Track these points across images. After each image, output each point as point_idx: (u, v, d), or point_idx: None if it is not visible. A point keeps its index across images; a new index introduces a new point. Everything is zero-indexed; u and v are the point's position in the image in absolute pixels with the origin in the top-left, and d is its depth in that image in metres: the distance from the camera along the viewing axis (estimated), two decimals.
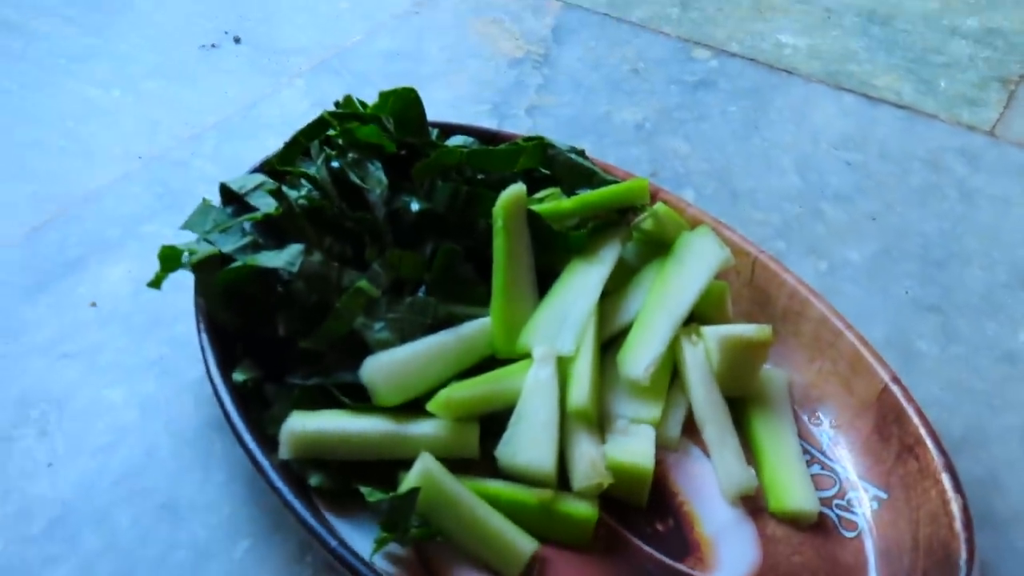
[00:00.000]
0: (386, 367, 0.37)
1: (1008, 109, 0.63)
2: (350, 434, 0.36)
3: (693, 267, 0.41)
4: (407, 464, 0.35)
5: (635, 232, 0.44)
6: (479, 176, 0.44)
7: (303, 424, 0.36)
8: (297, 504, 0.33)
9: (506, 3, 0.73)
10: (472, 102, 0.61)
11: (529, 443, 0.36)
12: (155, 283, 0.39)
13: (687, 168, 0.56)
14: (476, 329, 0.39)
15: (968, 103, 0.63)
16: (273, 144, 0.46)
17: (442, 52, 0.66)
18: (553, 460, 0.36)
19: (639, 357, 0.39)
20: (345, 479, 0.36)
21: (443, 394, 0.37)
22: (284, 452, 0.35)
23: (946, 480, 0.35)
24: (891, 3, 0.75)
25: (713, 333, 0.40)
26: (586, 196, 0.43)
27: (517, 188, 0.41)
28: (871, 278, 0.49)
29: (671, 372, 0.41)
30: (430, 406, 0.37)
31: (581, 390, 0.38)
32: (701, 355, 0.40)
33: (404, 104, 0.45)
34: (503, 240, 0.40)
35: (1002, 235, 0.52)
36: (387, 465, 0.36)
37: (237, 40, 0.66)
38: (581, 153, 0.46)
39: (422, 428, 0.37)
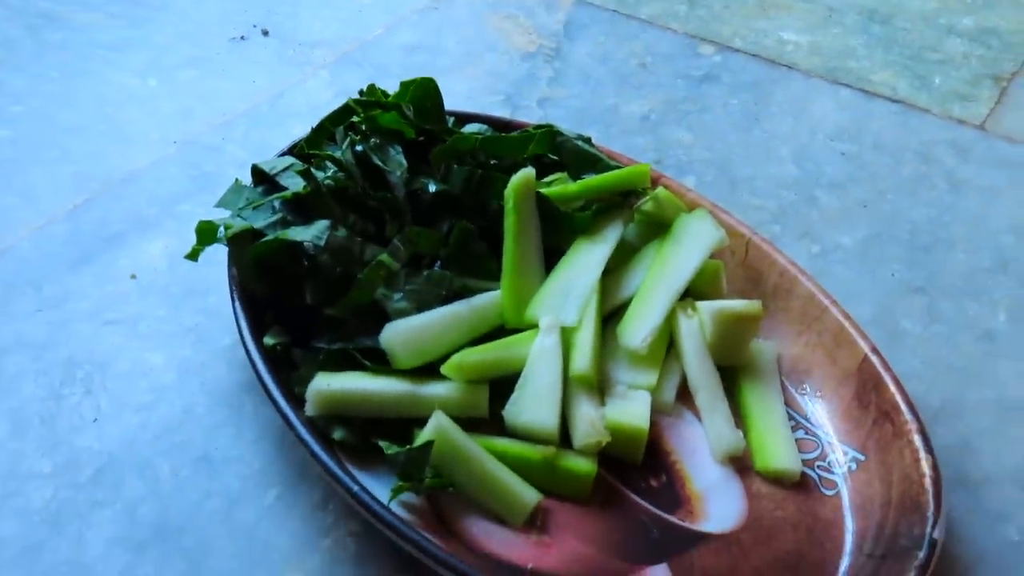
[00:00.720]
0: (404, 333, 0.40)
1: (999, 105, 0.65)
2: (370, 393, 0.39)
3: (690, 246, 0.45)
4: (422, 422, 0.38)
5: (637, 214, 0.47)
6: (492, 161, 0.48)
7: (328, 384, 0.39)
8: (322, 454, 0.36)
9: None
10: (487, 93, 0.64)
11: (534, 404, 0.40)
12: (192, 255, 0.43)
13: (690, 157, 0.59)
14: (487, 301, 0.42)
15: (960, 98, 0.66)
16: (299, 131, 0.49)
17: (459, 46, 0.69)
18: (556, 419, 0.39)
19: (638, 328, 0.42)
20: (365, 435, 0.39)
21: (456, 358, 0.40)
22: (310, 409, 0.38)
23: (918, 442, 0.38)
24: (892, 2, 0.78)
25: (707, 307, 0.43)
26: (591, 180, 0.46)
27: (527, 172, 0.44)
28: (861, 261, 0.52)
29: (667, 343, 0.44)
30: (444, 369, 0.40)
31: (583, 357, 0.41)
32: (695, 327, 0.43)
33: (423, 93, 0.48)
34: (513, 220, 0.43)
35: (987, 223, 0.55)
36: (404, 423, 0.39)
37: (265, 33, 0.69)
38: (588, 140, 0.49)
39: (436, 389, 0.40)
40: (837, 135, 0.62)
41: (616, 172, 0.47)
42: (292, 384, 0.39)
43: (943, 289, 0.51)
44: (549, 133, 0.48)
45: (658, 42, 0.71)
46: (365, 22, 0.71)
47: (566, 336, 0.41)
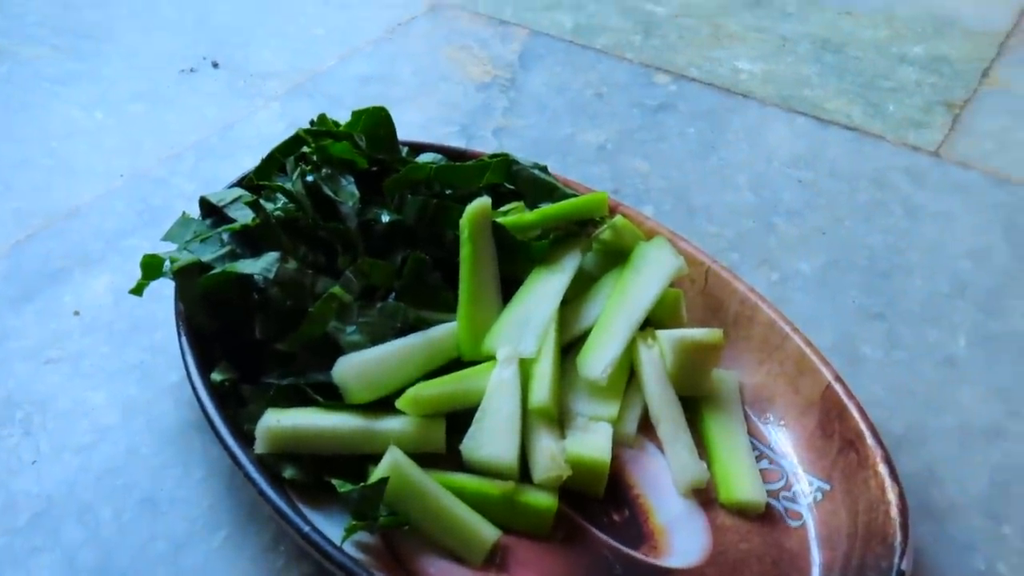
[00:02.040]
0: (357, 367, 0.39)
1: (952, 131, 0.66)
2: (322, 429, 0.38)
3: (649, 275, 0.44)
4: (376, 459, 0.37)
5: (595, 243, 0.46)
6: (447, 191, 0.47)
7: (278, 420, 0.38)
8: (271, 493, 0.35)
9: (476, 30, 0.76)
10: (442, 123, 0.63)
11: (493, 438, 0.38)
12: (137, 290, 0.41)
13: (647, 185, 0.59)
14: (443, 333, 0.41)
15: (914, 125, 0.66)
16: (249, 163, 0.48)
17: (414, 76, 0.69)
18: (515, 453, 0.38)
19: (598, 359, 0.41)
20: (317, 472, 0.38)
21: (411, 392, 0.39)
22: (260, 446, 0.37)
23: (883, 471, 0.38)
24: (844, 32, 0.79)
25: (667, 336, 0.42)
26: (548, 208, 0.46)
27: (482, 201, 0.43)
28: (820, 288, 0.52)
29: (628, 373, 0.43)
30: (399, 403, 0.39)
31: (542, 389, 0.40)
32: (656, 357, 0.42)
33: (375, 122, 0.48)
34: (469, 250, 0.42)
35: (944, 248, 0.55)
36: (357, 460, 0.38)
37: (215, 65, 0.68)
38: (544, 169, 0.49)
39: (390, 424, 0.39)
40: (793, 163, 0.62)
41: (574, 200, 0.46)
42: (241, 421, 0.38)
43: (902, 315, 0.51)
44: (505, 162, 0.47)
45: (613, 72, 0.71)
46: (318, 53, 0.71)
47: (525, 368, 0.41)
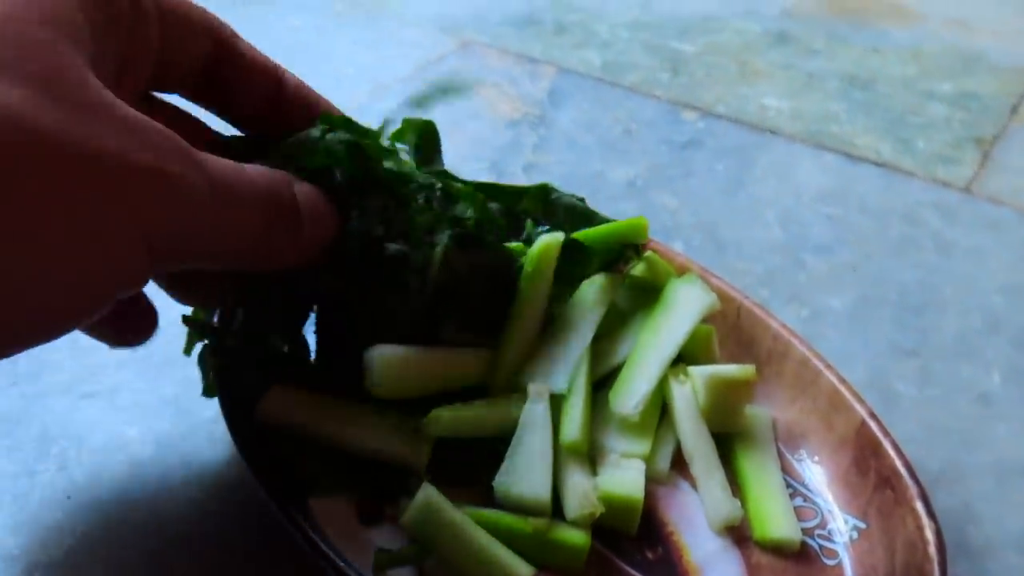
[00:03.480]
0: (392, 359, 0.39)
1: (983, 168, 0.66)
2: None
3: (681, 311, 0.44)
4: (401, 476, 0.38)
5: (627, 279, 0.46)
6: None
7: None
8: (306, 530, 0.35)
9: (505, 68, 0.77)
10: (472, 160, 0.64)
11: (525, 474, 0.38)
12: (187, 350, 0.42)
13: (676, 221, 0.59)
14: (480, 355, 0.41)
15: (944, 161, 0.66)
16: None
17: (443, 114, 0.69)
18: (548, 490, 0.38)
19: (629, 395, 0.41)
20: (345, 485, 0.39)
21: (438, 411, 0.39)
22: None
23: (920, 508, 0.37)
24: (871, 68, 0.79)
25: (700, 372, 0.42)
26: (588, 232, 0.46)
27: (555, 237, 0.43)
28: (852, 324, 0.52)
29: (660, 410, 0.43)
30: (424, 424, 0.39)
31: (573, 425, 0.40)
32: (688, 393, 0.42)
33: (423, 134, 0.47)
34: (529, 284, 0.42)
35: (976, 284, 0.55)
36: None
37: None
38: (582, 200, 0.48)
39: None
40: (822, 198, 0.62)
41: (614, 224, 0.46)
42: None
43: (936, 351, 0.50)
44: (543, 189, 0.47)
45: (642, 109, 0.72)
46: (349, 91, 0.71)
47: (556, 404, 0.40)
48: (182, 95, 0.36)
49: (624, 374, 0.42)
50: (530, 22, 0.87)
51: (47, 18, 0.26)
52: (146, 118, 0.27)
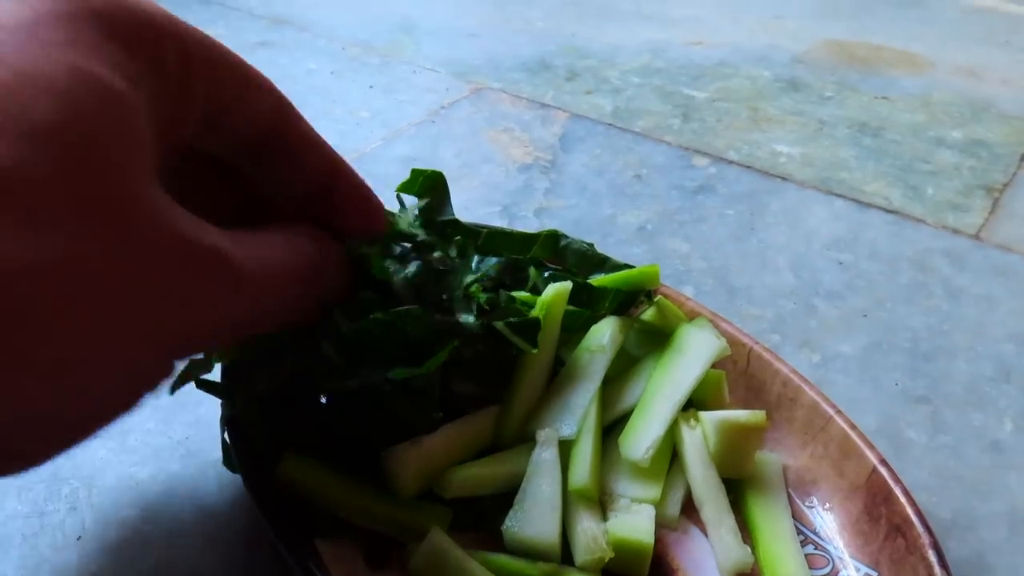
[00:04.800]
0: (410, 458, 0.39)
1: (992, 215, 0.66)
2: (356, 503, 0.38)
3: (692, 356, 0.44)
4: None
5: (636, 323, 0.46)
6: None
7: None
8: (314, 571, 0.35)
9: (517, 113, 0.78)
10: (484, 204, 0.64)
11: (534, 518, 0.38)
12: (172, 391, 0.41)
13: (687, 266, 0.59)
14: (487, 416, 0.41)
15: (954, 208, 0.66)
16: None
17: (456, 158, 0.70)
18: (557, 533, 0.38)
19: (640, 440, 0.41)
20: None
21: (448, 474, 0.39)
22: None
23: (932, 557, 0.37)
24: (881, 116, 0.80)
25: (710, 418, 0.42)
26: (602, 279, 0.46)
27: (563, 287, 0.43)
28: (862, 370, 0.52)
29: (671, 454, 0.43)
30: (436, 487, 0.38)
31: (582, 470, 0.40)
32: (699, 438, 0.42)
33: (432, 185, 0.48)
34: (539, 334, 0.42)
35: (987, 331, 0.55)
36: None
37: None
38: (591, 246, 0.49)
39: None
40: (833, 244, 0.62)
41: (627, 272, 0.46)
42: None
43: (947, 398, 0.50)
44: (553, 236, 0.47)
45: (653, 154, 0.72)
46: (363, 135, 0.72)
47: (565, 449, 0.40)
48: (225, 159, 0.35)
49: (634, 420, 0.42)
50: (542, 68, 0.88)
51: (94, 92, 0.24)
52: (194, 233, 0.26)
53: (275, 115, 0.33)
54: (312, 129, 0.36)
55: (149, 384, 0.26)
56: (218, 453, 0.44)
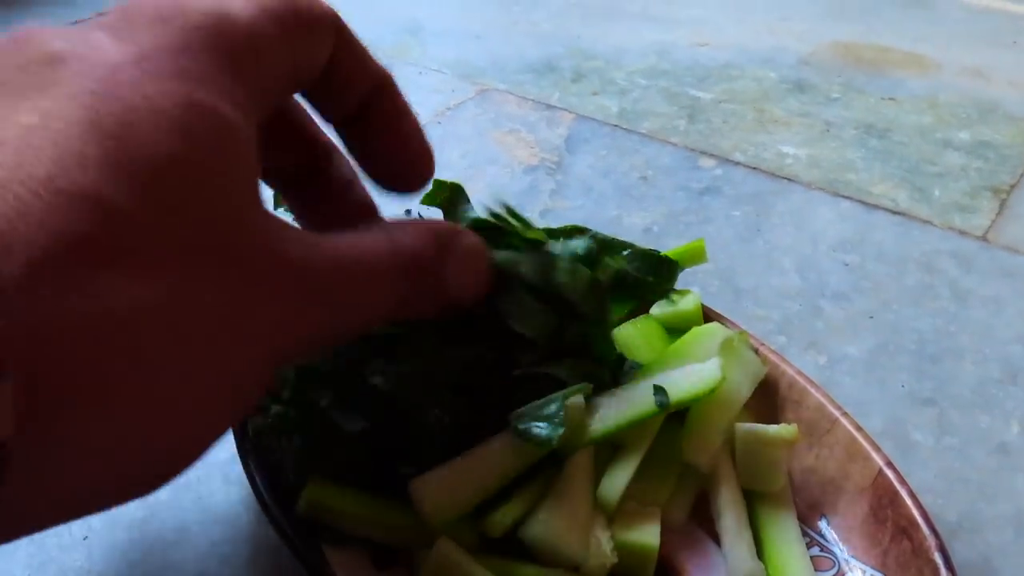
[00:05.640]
0: (437, 487, 0.37)
1: (999, 216, 0.66)
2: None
3: (740, 374, 0.43)
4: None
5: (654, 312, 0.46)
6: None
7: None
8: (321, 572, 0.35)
9: (523, 115, 0.78)
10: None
11: (563, 524, 0.37)
12: None
13: (693, 268, 0.58)
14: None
15: (961, 210, 0.66)
16: None
17: (462, 159, 0.70)
18: (586, 542, 0.37)
19: (702, 447, 0.41)
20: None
21: (496, 517, 0.37)
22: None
23: (939, 559, 0.37)
24: (888, 118, 0.79)
25: (739, 429, 0.42)
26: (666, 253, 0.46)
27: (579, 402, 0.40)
28: (868, 372, 0.52)
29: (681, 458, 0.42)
30: (484, 529, 0.37)
31: (616, 486, 0.39)
32: (726, 450, 0.42)
33: (453, 196, 0.48)
34: None
35: (994, 333, 0.55)
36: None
37: None
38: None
39: None
40: (839, 246, 0.62)
41: (674, 250, 0.46)
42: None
43: (953, 400, 0.50)
44: (577, 230, 0.47)
45: (659, 156, 0.72)
46: None
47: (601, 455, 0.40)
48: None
49: (696, 427, 0.41)
50: (548, 69, 0.88)
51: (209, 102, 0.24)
52: (304, 258, 0.26)
53: (336, 38, 0.32)
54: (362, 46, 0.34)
55: (253, 400, 0.27)
56: (223, 454, 0.44)
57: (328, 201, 0.38)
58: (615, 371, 0.42)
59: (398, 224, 0.32)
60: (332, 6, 0.30)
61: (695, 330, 0.45)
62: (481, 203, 0.43)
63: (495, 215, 0.43)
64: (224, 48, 0.25)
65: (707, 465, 0.40)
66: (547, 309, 0.40)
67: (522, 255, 0.41)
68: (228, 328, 0.23)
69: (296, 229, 0.27)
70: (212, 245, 0.23)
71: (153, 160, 0.22)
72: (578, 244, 0.44)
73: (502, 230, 0.45)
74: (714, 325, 0.45)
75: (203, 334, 0.23)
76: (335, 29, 0.31)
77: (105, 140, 0.21)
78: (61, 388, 0.20)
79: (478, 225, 0.43)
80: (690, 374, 0.41)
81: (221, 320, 0.23)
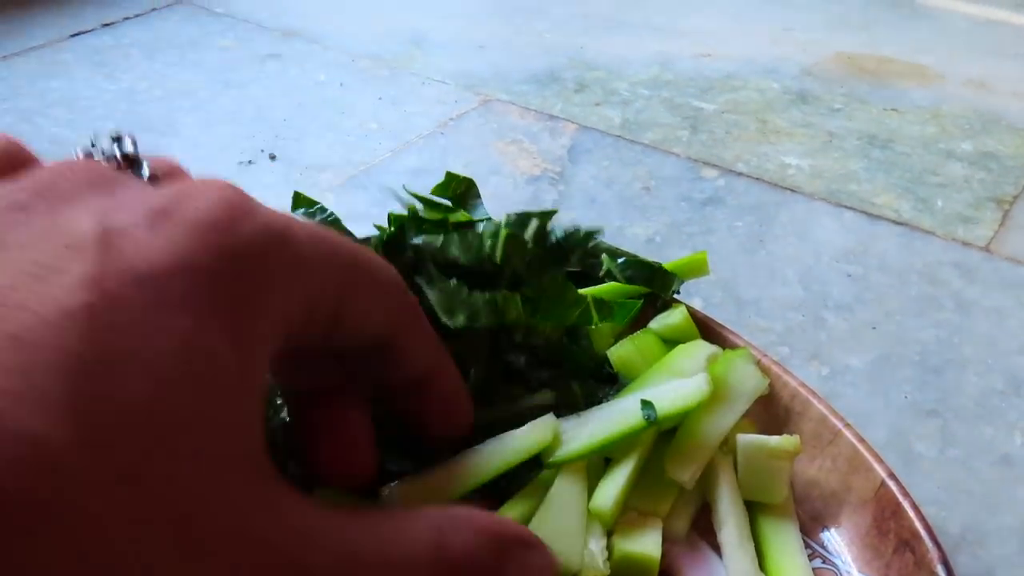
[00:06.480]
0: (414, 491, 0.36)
1: (1002, 227, 0.66)
2: None
3: (736, 390, 0.43)
4: None
5: (651, 326, 0.46)
6: None
7: None
8: None
9: (526, 125, 0.78)
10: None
11: (558, 533, 0.37)
12: None
13: (695, 279, 0.59)
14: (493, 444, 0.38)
15: (964, 221, 0.66)
16: None
17: (465, 169, 0.70)
18: (580, 552, 0.37)
19: (687, 463, 0.40)
20: None
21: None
22: None
23: (941, 572, 0.37)
24: (890, 128, 0.79)
25: (740, 440, 0.42)
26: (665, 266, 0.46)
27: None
28: (871, 383, 0.51)
29: None
30: None
31: (608, 496, 0.38)
32: (728, 461, 0.42)
33: (464, 190, 0.48)
34: None
35: (997, 344, 0.55)
36: None
37: (273, 157, 0.70)
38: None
39: None
40: (842, 257, 0.62)
41: (675, 261, 0.46)
42: None
43: (956, 412, 0.50)
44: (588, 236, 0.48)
45: (661, 166, 0.72)
46: (372, 147, 0.72)
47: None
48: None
49: (681, 442, 0.41)
50: (551, 80, 0.88)
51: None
52: (303, 544, 0.22)
53: (394, 318, 0.29)
54: (428, 327, 0.32)
55: None
56: None
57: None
58: (596, 374, 0.42)
59: (450, 518, 0.26)
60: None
61: (681, 347, 0.44)
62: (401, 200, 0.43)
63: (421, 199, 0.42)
64: (248, 269, 0.22)
65: (690, 482, 0.39)
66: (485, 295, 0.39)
67: (450, 236, 0.41)
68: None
69: (311, 506, 0.23)
70: (173, 519, 0.19)
71: (124, 410, 0.19)
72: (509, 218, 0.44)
73: (430, 221, 0.44)
74: (699, 342, 0.45)
75: None
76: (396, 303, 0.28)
77: (78, 376, 0.18)
78: None
79: (400, 219, 0.43)
80: (677, 388, 0.40)
81: None
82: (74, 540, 0.18)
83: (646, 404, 0.39)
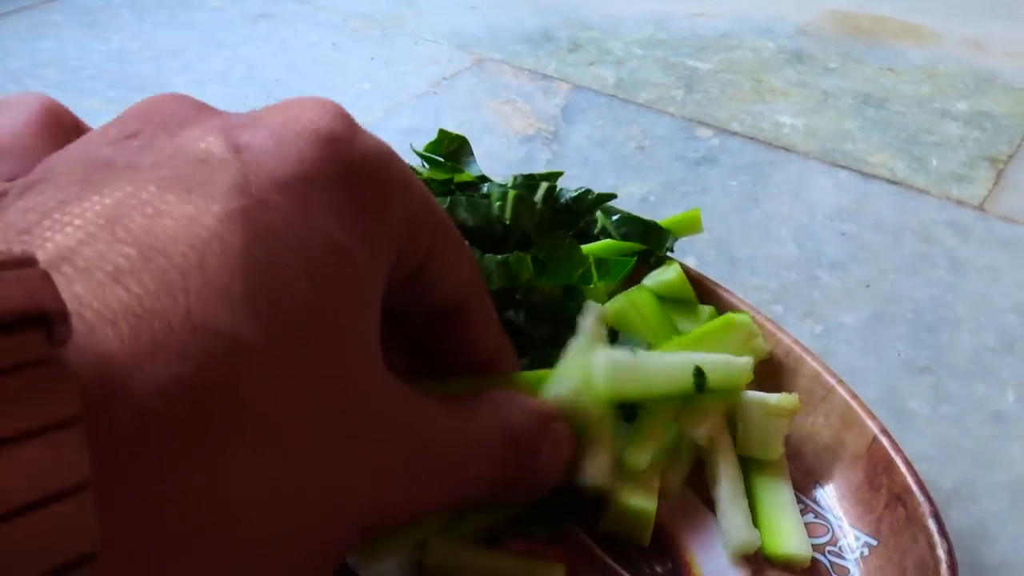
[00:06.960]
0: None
1: (996, 186, 0.66)
2: None
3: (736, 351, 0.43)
4: None
5: (645, 283, 0.46)
6: None
7: None
8: None
9: (519, 85, 0.77)
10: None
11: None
12: None
13: (690, 237, 0.58)
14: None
15: (958, 180, 0.66)
16: None
17: (458, 129, 0.69)
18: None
19: (702, 423, 0.40)
20: None
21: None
22: None
23: (933, 526, 0.37)
24: (886, 87, 0.79)
25: (741, 397, 0.41)
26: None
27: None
28: (865, 341, 0.52)
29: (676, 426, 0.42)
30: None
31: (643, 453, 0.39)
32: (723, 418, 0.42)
33: (458, 147, 0.48)
34: None
35: (990, 302, 0.55)
36: None
37: None
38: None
39: None
40: (836, 215, 0.62)
41: (669, 219, 0.46)
42: None
43: (949, 369, 0.50)
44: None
45: (655, 126, 0.72)
46: (365, 107, 0.72)
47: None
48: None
49: (695, 401, 0.40)
50: (544, 39, 0.87)
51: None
52: (413, 424, 0.24)
53: (468, 288, 0.31)
54: (491, 307, 0.33)
55: (336, 563, 0.25)
56: None
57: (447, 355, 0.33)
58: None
59: (505, 402, 0.29)
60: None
61: (727, 317, 0.44)
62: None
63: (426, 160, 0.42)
64: (368, 185, 0.24)
65: (704, 438, 0.40)
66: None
67: (457, 198, 0.41)
68: (329, 502, 0.22)
69: (414, 396, 0.25)
70: (333, 413, 0.21)
71: (295, 309, 0.20)
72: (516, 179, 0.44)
73: (437, 181, 0.44)
74: (746, 317, 0.44)
75: (303, 508, 0.21)
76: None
77: (251, 277, 0.19)
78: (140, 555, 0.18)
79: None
80: (728, 366, 0.40)
81: (323, 494, 0.21)
82: (272, 439, 0.19)
83: (699, 372, 0.39)
